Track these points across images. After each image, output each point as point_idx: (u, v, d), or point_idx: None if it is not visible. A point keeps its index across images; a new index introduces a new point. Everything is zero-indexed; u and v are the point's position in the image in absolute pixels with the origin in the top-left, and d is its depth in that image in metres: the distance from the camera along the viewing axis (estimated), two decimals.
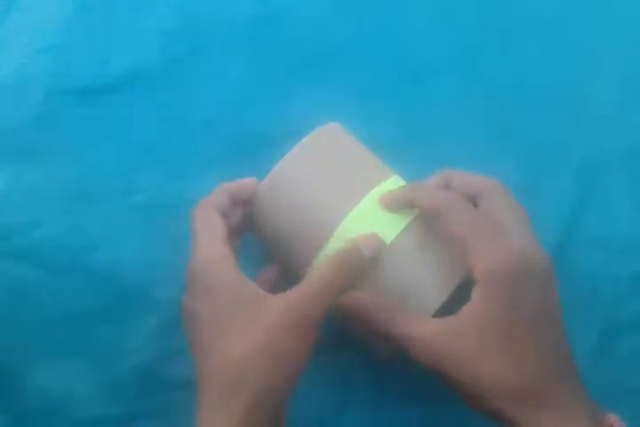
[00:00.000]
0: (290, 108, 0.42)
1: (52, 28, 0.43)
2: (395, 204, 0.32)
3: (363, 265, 0.31)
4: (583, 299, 0.39)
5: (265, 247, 0.37)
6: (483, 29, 0.44)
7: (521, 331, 0.28)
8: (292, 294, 0.30)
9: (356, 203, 0.33)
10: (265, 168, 0.41)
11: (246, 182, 0.35)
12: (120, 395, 0.38)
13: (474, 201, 0.33)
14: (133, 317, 0.39)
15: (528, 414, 0.28)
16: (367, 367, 0.38)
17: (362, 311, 0.31)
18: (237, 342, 0.29)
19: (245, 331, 0.29)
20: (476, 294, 0.29)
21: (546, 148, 0.42)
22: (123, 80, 0.42)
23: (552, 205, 0.41)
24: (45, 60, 0.42)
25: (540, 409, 0.28)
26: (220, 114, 0.42)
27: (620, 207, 0.41)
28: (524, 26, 0.44)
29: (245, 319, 0.29)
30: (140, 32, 0.43)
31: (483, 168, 0.41)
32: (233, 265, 0.31)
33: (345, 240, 0.32)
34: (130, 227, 0.40)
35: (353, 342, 0.36)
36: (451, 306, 0.30)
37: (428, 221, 0.32)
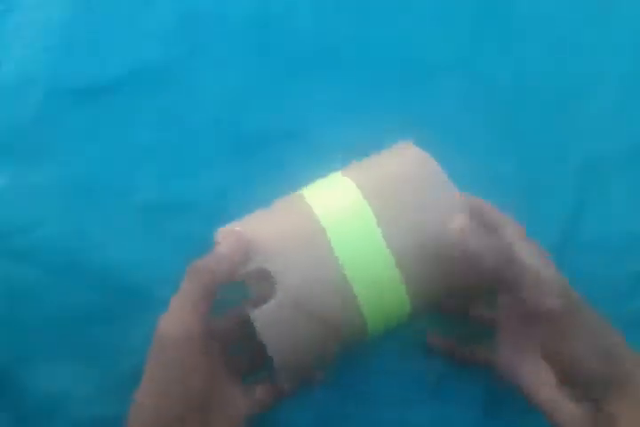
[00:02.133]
0: (290, 109, 0.42)
1: (52, 28, 0.43)
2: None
3: (223, 267, 0.31)
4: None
5: None
6: (483, 29, 0.44)
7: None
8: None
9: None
10: (265, 168, 0.41)
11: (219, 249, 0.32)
12: (120, 395, 0.38)
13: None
14: (133, 317, 0.39)
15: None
16: (367, 367, 0.38)
17: None
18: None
19: None
20: None
21: (546, 148, 0.42)
22: (123, 80, 0.42)
23: (552, 206, 0.41)
24: (45, 59, 0.42)
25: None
26: (220, 114, 0.42)
27: (620, 207, 0.41)
28: (524, 26, 0.44)
29: None
30: (140, 32, 0.43)
31: (483, 168, 0.41)
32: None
33: None
34: (130, 227, 0.40)
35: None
36: None
37: None
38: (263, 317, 0.31)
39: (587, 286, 0.40)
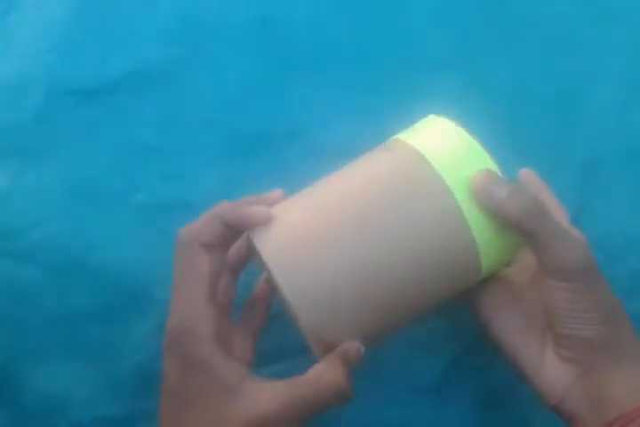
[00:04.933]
0: (290, 108, 0.42)
1: (52, 28, 0.43)
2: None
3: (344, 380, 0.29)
4: None
5: None
6: (483, 29, 0.44)
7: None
8: (278, 399, 0.27)
9: None
10: (265, 168, 0.41)
11: (252, 212, 0.29)
12: (120, 395, 0.38)
13: None
14: (133, 317, 0.39)
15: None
16: (367, 366, 0.38)
17: None
18: None
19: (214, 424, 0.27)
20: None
21: (546, 148, 0.42)
22: (123, 80, 0.42)
23: None
24: (45, 59, 0.42)
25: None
26: (220, 114, 0.42)
27: (621, 207, 0.41)
28: (524, 26, 0.44)
29: (215, 412, 0.27)
30: (140, 32, 0.43)
31: None
32: (211, 336, 0.28)
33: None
34: (129, 227, 0.40)
35: None
36: None
37: None
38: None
39: None
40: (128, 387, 0.38)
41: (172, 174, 0.41)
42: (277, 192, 0.32)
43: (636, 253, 0.40)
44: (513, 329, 0.32)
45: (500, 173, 0.30)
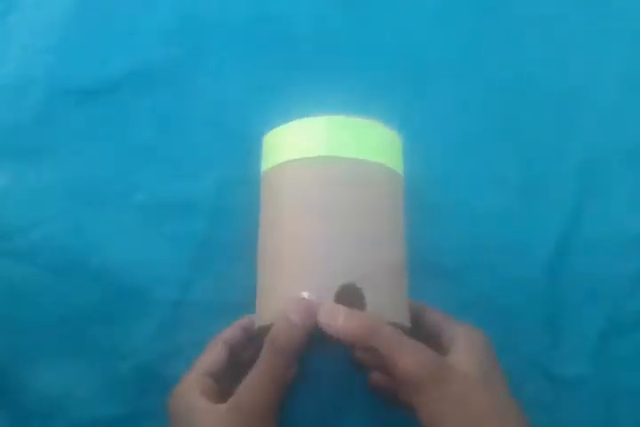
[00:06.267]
0: (290, 108, 0.42)
1: (52, 28, 0.43)
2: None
3: (297, 335, 0.30)
4: (583, 299, 0.39)
5: None
6: (483, 29, 0.44)
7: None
8: (233, 400, 0.30)
9: None
10: None
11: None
12: (120, 395, 0.38)
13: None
14: (133, 317, 0.39)
15: None
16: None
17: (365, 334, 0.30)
18: None
19: None
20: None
21: (546, 147, 0.42)
22: (123, 80, 0.42)
23: (552, 205, 0.41)
24: (45, 60, 0.42)
25: None
26: (220, 114, 0.42)
27: (620, 207, 0.41)
28: (524, 26, 0.44)
29: None
30: (140, 32, 0.43)
31: (483, 168, 0.41)
32: (198, 394, 0.31)
33: None
34: (129, 227, 0.40)
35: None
36: None
37: None
38: None
39: (587, 286, 0.40)
40: (128, 387, 0.38)
41: (172, 174, 0.41)
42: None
43: (636, 253, 0.40)
44: None
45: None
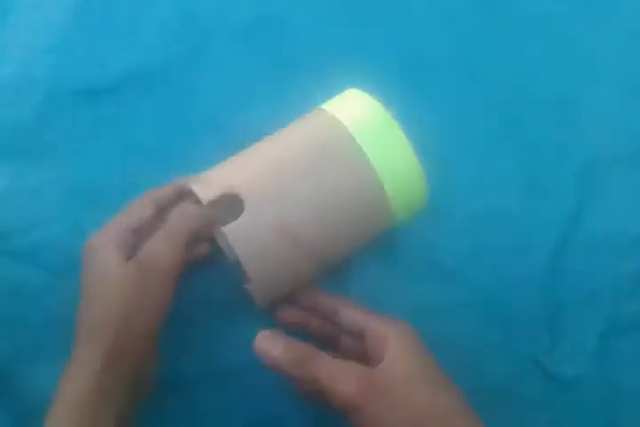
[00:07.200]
0: (290, 108, 0.42)
1: (52, 29, 0.43)
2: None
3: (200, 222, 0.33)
4: (583, 299, 0.39)
5: None
6: (483, 29, 0.44)
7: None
8: (137, 257, 0.32)
9: None
10: None
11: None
12: None
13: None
14: None
15: None
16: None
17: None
18: (98, 306, 0.32)
19: (104, 296, 0.32)
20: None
21: (546, 148, 0.42)
22: (123, 80, 0.42)
23: (552, 205, 0.41)
24: (45, 60, 0.42)
25: None
26: (220, 114, 0.42)
27: (620, 207, 0.41)
28: (524, 26, 0.44)
29: (104, 287, 0.32)
30: (140, 32, 0.43)
31: (483, 168, 0.41)
32: (113, 247, 0.33)
33: None
34: None
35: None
36: None
37: None
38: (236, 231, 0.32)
39: (587, 286, 0.40)
40: None
41: (172, 174, 0.41)
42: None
43: (636, 253, 0.40)
44: None
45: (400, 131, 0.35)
